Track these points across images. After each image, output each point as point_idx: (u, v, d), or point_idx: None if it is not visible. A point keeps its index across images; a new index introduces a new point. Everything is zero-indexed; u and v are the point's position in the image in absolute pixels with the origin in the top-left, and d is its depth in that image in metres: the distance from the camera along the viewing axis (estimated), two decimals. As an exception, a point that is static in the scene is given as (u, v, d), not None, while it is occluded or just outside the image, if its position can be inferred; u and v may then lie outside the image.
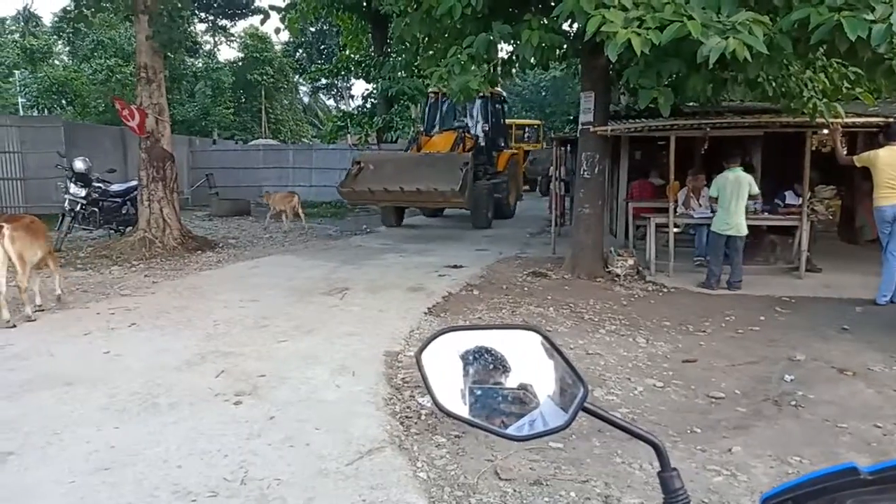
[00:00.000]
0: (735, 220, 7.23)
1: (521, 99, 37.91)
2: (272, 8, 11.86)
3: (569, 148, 11.57)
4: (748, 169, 7.61)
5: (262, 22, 15.14)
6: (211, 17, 25.15)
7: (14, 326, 5.82)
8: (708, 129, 7.95)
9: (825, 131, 7.75)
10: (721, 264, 7.45)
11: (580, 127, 8.39)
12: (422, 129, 15.53)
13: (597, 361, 4.92)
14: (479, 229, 12.86)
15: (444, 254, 9.79)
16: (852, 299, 6.78)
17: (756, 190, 7.40)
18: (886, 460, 0.76)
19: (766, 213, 8.08)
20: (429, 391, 1.00)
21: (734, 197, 7.20)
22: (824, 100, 6.92)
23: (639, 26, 5.53)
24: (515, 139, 23.34)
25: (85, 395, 4.27)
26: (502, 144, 16.13)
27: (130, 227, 10.38)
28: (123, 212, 10.65)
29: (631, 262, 8.14)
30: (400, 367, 4.77)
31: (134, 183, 10.63)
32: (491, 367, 1.02)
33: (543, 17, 7.25)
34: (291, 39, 29.82)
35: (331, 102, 36.73)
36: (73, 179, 10.21)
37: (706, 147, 9.32)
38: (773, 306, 6.59)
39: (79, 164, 10.29)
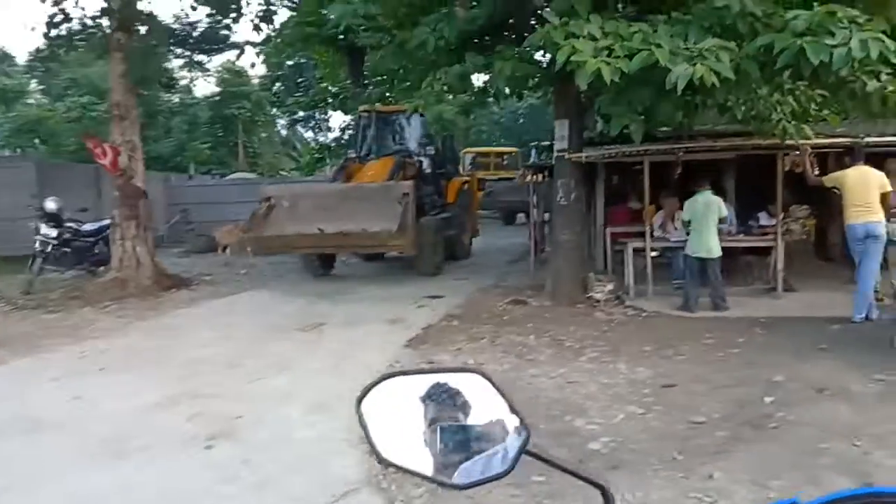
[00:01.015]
0: (708, 242, 7.27)
1: (500, 127, 38.35)
2: (247, 43, 11.92)
3: (543, 176, 11.62)
4: (718, 191, 7.69)
5: (238, 57, 15.10)
6: (187, 53, 25.20)
7: None
8: (681, 154, 8.04)
9: (797, 152, 7.89)
10: (698, 287, 7.47)
11: (555, 154, 8.46)
12: (353, 154, 12.82)
13: (578, 390, 4.87)
14: (426, 276, 10.20)
15: (423, 284, 9.72)
16: (829, 318, 6.80)
17: (725, 212, 7.48)
18: (824, 495, 0.73)
19: (741, 235, 8.16)
20: (368, 441, 0.96)
21: (705, 219, 7.27)
22: (793, 122, 7.04)
23: (608, 55, 5.62)
24: (495, 167, 23.43)
25: (54, 441, 4.15)
26: (452, 171, 13.54)
27: (103, 267, 10.20)
28: (96, 251, 10.47)
29: (610, 286, 8.14)
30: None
31: (107, 222, 10.47)
32: (433, 413, 0.99)
33: (515, 47, 7.35)
34: (269, 73, 29.96)
35: (309, 134, 36.85)
36: (45, 220, 10.04)
37: (680, 171, 9.43)
38: (752, 327, 6.60)
39: (50, 204, 10.14)
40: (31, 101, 27.99)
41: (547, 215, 11.43)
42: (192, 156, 27.50)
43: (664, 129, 9.26)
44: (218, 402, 4.79)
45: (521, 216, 20.47)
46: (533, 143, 22.28)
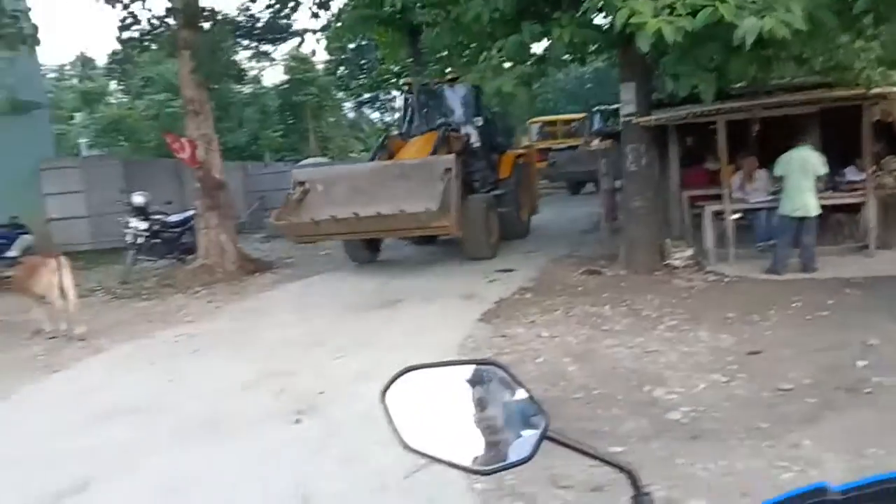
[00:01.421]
0: (804, 201, 6.91)
1: (566, 93, 37.50)
2: (307, 31, 12.08)
3: (612, 141, 11.30)
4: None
5: (299, 45, 15.33)
6: (253, 44, 25.87)
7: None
8: (756, 110, 7.64)
9: (885, 100, 7.36)
10: (790, 247, 7.13)
11: (622, 119, 8.22)
12: (396, 131, 12.12)
13: (657, 359, 4.78)
14: (478, 260, 9.43)
15: (497, 257, 9.72)
16: (929, 275, 6.39)
17: (824, 169, 7.05)
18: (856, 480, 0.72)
19: (829, 192, 7.71)
20: (393, 430, 1.00)
21: (802, 176, 6.89)
22: (879, 68, 6.56)
23: (670, 14, 5.39)
24: (563, 135, 22.94)
25: (153, 422, 4.43)
26: (505, 143, 12.42)
27: (191, 256, 10.73)
28: (183, 241, 11.02)
29: (689, 252, 7.90)
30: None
31: (191, 212, 10.99)
32: (454, 402, 1.02)
33: (573, 12, 7.14)
34: (332, 57, 30.36)
35: (375, 115, 37.25)
36: (134, 213, 10.64)
37: (758, 128, 8.98)
38: (843, 288, 6.26)
39: (137, 199, 10.72)
40: (112, 101, 29.51)
41: (618, 182, 11.13)
42: (266, 144, 28.34)
43: (737, 85, 8.83)
44: (302, 379, 4.99)
45: (588, 186, 19.91)
46: (596, 109, 21.52)
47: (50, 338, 6.82)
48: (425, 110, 11.90)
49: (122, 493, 3.44)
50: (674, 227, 9.57)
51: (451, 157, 8.96)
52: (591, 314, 6.14)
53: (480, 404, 1.01)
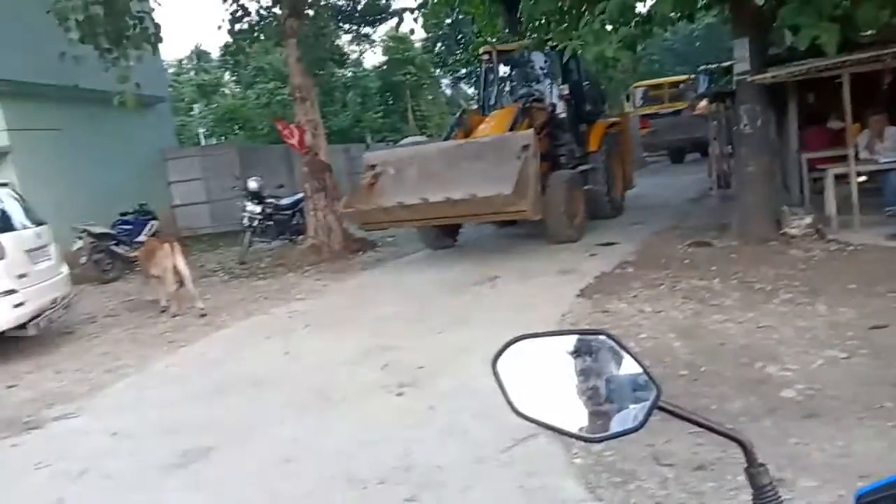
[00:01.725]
0: None
1: (674, 53, 35.66)
2: (404, 10, 12.19)
3: (724, 103, 10.65)
4: None
5: (398, 25, 15.48)
6: (354, 28, 26.50)
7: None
8: (888, 61, 6.94)
9: None
10: None
11: (735, 77, 7.74)
12: (474, 105, 11.36)
13: (769, 335, 4.53)
14: (562, 243, 8.72)
15: (596, 231, 9.52)
16: None
17: None
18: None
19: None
20: (505, 397, 1.02)
21: None
22: None
23: (789, -41, 4.98)
24: (670, 98, 21.86)
25: (269, 393, 4.75)
26: (595, 112, 11.24)
27: (301, 236, 11.29)
28: (294, 222, 11.60)
29: (808, 220, 7.36)
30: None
31: (300, 195, 11.53)
32: (563, 371, 1.02)
33: (680, -33, 6.76)
34: (429, 35, 30.51)
35: (472, 90, 37.17)
36: (249, 198, 11.31)
37: (890, 81, 8.16)
38: None
39: (252, 184, 11.39)
40: (226, 91, 31.28)
41: (729, 147, 10.51)
42: (368, 125, 29.06)
43: (867, 33, 8.04)
44: (404, 353, 5.16)
45: (694, 154, 19.31)
46: (702, 68, 20.27)
47: (174, 316, 7.44)
48: (506, 80, 11.23)
49: (241, 460, 3.72)
50: (792, 192, 8.95)
51: (529, 132, 8.19)
52: (698, 288, 5.90)
53: (590, 373, 1.02)
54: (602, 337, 1.02)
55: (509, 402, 1.03)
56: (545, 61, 10.89)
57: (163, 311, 7.64)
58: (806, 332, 4.49)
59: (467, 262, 8.67)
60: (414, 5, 13.27)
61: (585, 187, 9.70)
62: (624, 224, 9.98)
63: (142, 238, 10.86)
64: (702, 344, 4.55)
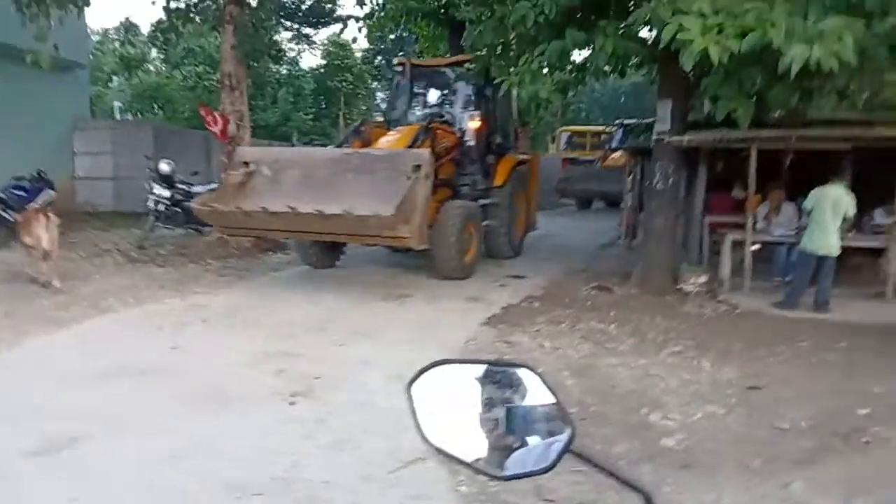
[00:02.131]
0: (829, 240, 6.81)
1: (600, 104, 37.29)
2: (350, 17, 12.13)
3: (640, 159, 11.20)
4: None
5: (342, 31, 15.40)
6: (296, 26, 26.06)
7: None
8: (792, 142, 7.54)
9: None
10: (807, 285, 7.04)
11: (655, 136, 8.15)
12: (380, 118, 10.64)
13: (656, 383, 4.75)
14: (449, 279, 8.09)
15: (510, 263, 9.72)
16: (946, 330, 6.27)
17: (853, 211, 6.94)
18: None
19: (852, 233, 7.58)
20: (415, 423, 1.00)
21: (831, 214, 6.79)
22: (926, 112, 6.44)
23: (718, 34, 5.33)
24: (592, 147, 22.76)
25: (153, 386, 4.51)
26: (505, 146, 10.45)
27: (208, 227, 10.84)
28: (204, 212, 11.12)
29: (703, 279, 7.82)
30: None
31: (214, 185, 11.10)
32: (481, 402, 1.01)
33: (619, 23, 7.10)
34: (371, 46, 30.47)
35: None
36: (158, 180, 10.77)
37: (790, 160, 8.87)
38: (854, 334, 6.16)
39: (163, 166, 10.85)
40: (151, 68, 29.90)
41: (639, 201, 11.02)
42: (296, 125, 28.53)
43: (775, 114, 8.72)
44: (303, 362, 5.03)
45: (599, 203, 20.63)
46: (618, 122, 20.97)
47: (44, 286, 7.07)
48: (417, 97, 10.27)
49: (113, 452, 3.49)
50: (691, 251, 9.49)
51: (424, 152, 7.31)
52: (596, 330, 6.11)
53: (506, 407, 1.00)
54: (526, 370, 1.02)
55: (419, 430, 1.00)
56: (462, 84, 10.12)
57: (43, 287, 7.12)
58: (690, 384, 4.74)
59: (380, 277, 8.61)
60: (361, 14, 13.20)
61: (484, 223, 9.07)
62: (534, 260, 10.23)
63: (34, 206, 10.09)
64: (594, 384, 4.70)
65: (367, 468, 3.39)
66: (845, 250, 7.08)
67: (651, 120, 20.36)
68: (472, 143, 9.48)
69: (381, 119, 10.21)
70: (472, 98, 10.00)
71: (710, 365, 5.18)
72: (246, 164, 7.74)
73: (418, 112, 9.99)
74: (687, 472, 3.39)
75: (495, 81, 8.35)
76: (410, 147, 7.84)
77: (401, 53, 29.44)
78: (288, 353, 5.24)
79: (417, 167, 6.98)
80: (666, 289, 7.75)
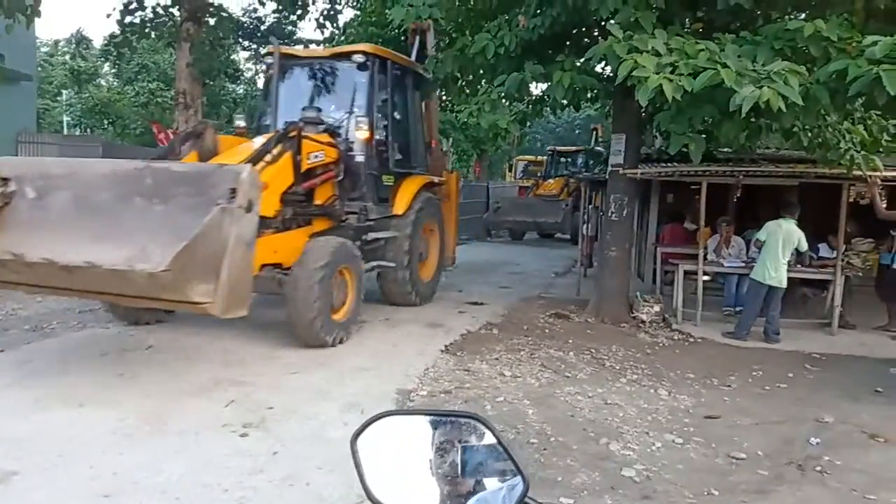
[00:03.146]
0: (779, 272, 7.03)
1: (555, 136, 38.04)
2: (310, 42, 12.10)
3: (584, 189, 11.35)
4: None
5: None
6: (254, 46, 25.90)
7: None
8: (741, 177, 7.80)
9: (864, 183, 7.56)
10: (756, 315, 7.22)
11: (610, 168, 8.31)
12: (242, 124, 7.82)
13: (615, 412, 4.75)
14: (312, 348, 5.99)
15: (468, 289, 9.70)
16: (887, 359, 6.50)
17: (805, 246, 7.19)
18: None
19: (798, 266, 7.85)
20: (361, 479, 0.94)
21: (783, 248, 7.01)
22: (862, 152, 6.76)
23: (671, 72, 5.49)
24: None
25: (96, 416, 4.26)
26: (410, 164, 8.35)
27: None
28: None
29: (657, 308, 7.95)
30: (412, 406, 4.66)
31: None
32: (430, 455, 0.96)
33: (576, 58, 7.26)
34: (330, 70, 30.45)
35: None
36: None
37: (739, 195, 9.15)
38: (803, 363, 6.34)
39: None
40: (102, 83, 29.16)
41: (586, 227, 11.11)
42: (251, 146, 28.15)
43: (725, 150, 9.02)
44: (256, 390, 4.86)
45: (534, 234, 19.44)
46: (549, 149, 20.70)
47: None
48: (292, 97, 7.67)
49: (48, 492, 3.27)
50: (645, 281, 9.67)
51: (245, 169, 4.68)
52: (555, 358, 6.11)
53: (457, 459, 0.95)
54: (473, 422, 0.97)
55: (364, 486, 0.93)
56: (353, 82, 7.64)
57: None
58: (648, 413, 4.76)
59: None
60: (321, 38, 13.19)
61: (372, 263, 7.23)
62: (494, 286, 10.24)
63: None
64: (553, 413, 4.67)
65: (322, 504, 3.26)
66: (791, 282, 7.31)
67: (583, 148, 20.93)
68: (360, 157, 7.22)
69: (242, 124, 7.74)
70: (366, 100, 7.55)
71: (666, 393, 5.23)
72: (4, 180, 5.02)
73: (292, 117, 7.15)
74: (647, 503, 3.38)
75: (456, 107, 8.18)
76: (253, 162, 5.50)
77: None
78: (239, 382, 5.06)
79: (233, 192, 4.48)
80: (621, 317, 7.84)
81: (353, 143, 7.29)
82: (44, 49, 27.39)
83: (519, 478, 0.91)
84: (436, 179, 8.82)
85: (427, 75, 8.77)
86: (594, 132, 21.00)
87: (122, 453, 3.72)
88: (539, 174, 21.03)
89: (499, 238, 19.49)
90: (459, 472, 0.95)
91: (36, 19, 9.22)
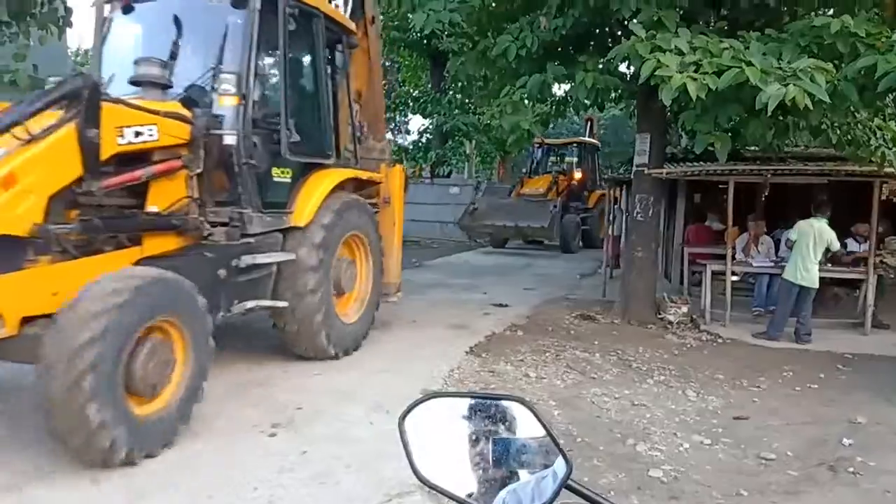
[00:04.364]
0: (810, 271, 6.93)
1: (578, 135, 37.79)
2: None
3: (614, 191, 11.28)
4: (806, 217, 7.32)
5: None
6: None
7: None
8: (768, 176, 7.69)
9: (896, 181, 7.42)
10: (788, 315, 7.12)
11: (634, 168, 8.26)
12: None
13: (642, 413, 4.73)
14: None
15: (492, 291, 9.71)
16: (923, 360, 6.36)
17: (837, 246, 7.10)
18: None
19: (829, 265, 7.71)
20: (408, 458, 0.97)
21: (815, 246, 6.91)
22: (894, 148, 6.63)
23: (695, 71, 5.45)
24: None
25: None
26: (320, 149, 5.79)
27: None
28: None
29: (685, 309, 7.87)
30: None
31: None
32: (475, 436, 0.99)
33: (599, 58, 7.24)
34: (354, 76, 30.72)
35: (388, 136, 37.55)
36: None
37: (767, 193, 9.03)
38: (835, 363, 6.23)
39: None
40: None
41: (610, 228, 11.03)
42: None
43: (752, 148, 8.91)
44: (282, 392, 4.92)
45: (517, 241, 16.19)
46: (537, 142, 16.88)
47: None
48: (128, 48, 5.37)
49: (87, 489, 3.35)
50: (672, 281, 9.58)
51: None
52: (580, 360, 6.09)
53: (501, 441, 0.98)
54: (518, 404, 1.00)
55: (412, 465, 0.97)
56: (227, 23, 5.05)
57: None
58: (675, 414, 4.72)
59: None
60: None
61: (248, 303, 4.94)
62: (518, 288, 10.22)
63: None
64: (579, 415, 4.66)
65: (350, 503, 3.30)
66: (823, 281, 7.19)
67: (576, 140, 19.44)
68: (230, 139, 4.76)
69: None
70: (241, 50, 4.93)
71: (694, 394, 5.19)
72: None
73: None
74: (677, 502, 3.36)
75: (477, 109, 7.19)
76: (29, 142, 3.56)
77: (383, 83, 29.67)
78: (265, 383, 5.12)
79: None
80: (648, 318, 7.78)
81: (221, 117, 4.76)
82: (76, 59, 28.01)
83: (562, 460, 0.93)
84: (364, 175, 6.35)
85: (352, 29, 6.37)
86: (588, 123, 19.76)
87: (156, 454, 3.79)
88: (524, 170, 18.05)
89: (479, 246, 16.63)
90: (503, 453, 0.98)
91: (67, 30, 9.43)
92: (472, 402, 1.03)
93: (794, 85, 5.05)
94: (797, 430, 4.48)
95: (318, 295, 5.36)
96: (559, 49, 7.65)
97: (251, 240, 4.95)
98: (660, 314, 7.85)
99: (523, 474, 0.96)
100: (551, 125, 13.56)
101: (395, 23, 17.27)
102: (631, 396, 5.08)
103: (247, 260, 4.84)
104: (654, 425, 4.48)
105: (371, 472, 3.60)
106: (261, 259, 4.98)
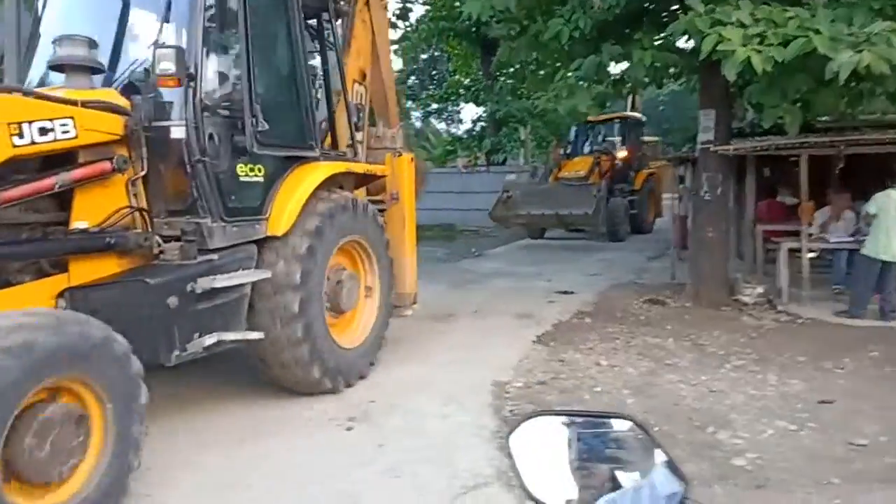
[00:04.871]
0: (892, 244, 6.57)
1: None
2: (386, 41, 12.24)
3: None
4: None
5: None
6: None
7: None
8: (843, 147, 7.29)
9: None
10: (871, 292, 6.77)
11: (699, 146, 8.00)
12: None
13: (721, 400, 4.58)
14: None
15: (556, 278, 9.60)
16: None
17: None
18: None
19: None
20: (519, 480, 0.96)
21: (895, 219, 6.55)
22: (985, 112, 6.18)
23: (760, 43, 5.21)
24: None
25: (211, 417, 4.51)
26: (303, 138, 4.74)
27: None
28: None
29: (760, 289, 7.59)
30: (507, 398, 4.68)
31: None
32: (582, 453, 0.97)
33: (656, 35, 7.02)
34: (403, 67, 30.84)
35: (441, 126, 37.52)
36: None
37: (842, 166, 8.57)
38: (927, 341, 5.89)
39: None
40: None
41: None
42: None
43: (823, 118, 8.47)
44: (356, 387, 4.99)
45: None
46: (579, 123, 15.54)
47: None
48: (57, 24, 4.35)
49: (176, 479, 3.51)
50: (745, 261, 9.23)
51: None
52: (652, 346, 5.96)
53: (610, 458, 0.97)
54: (626, 421, 0.97)
55: (523, 485, 0.96)
56: None
57: None
58: (756, 400, 4.56)
59: (425, 295, 8.52)
60: (395, 36, 13.38)
61: (209, 338, 3.86)
62: (584, 274, 10.08)
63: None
64: (655, 403, 4.56)
65: (427, 496, 3.33)
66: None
67: (618, 115, 17.95)
68: (178, 131, 3.89)
69: None
70: (187, 19, 4.02)
71: (775, 378, 4.99)
72: None
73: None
74: (762, 493, 3.25)
75: (531, 94, 7.24)
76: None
77: (434, 72, 29.75)
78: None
79: None
80: (722, 301, 7.54)
81: (170, 104, 3.94)
82: None
83: (676, 479, 0.90)
84: (360, 169, 5.43)
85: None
86: (630, 96, 17.13)
87: (239, 449, 3.92)
88: (562, 152, 16.50)
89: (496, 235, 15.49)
90: (613, 472, 0.96)
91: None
92: (579, 419, 1.02)
93: (868, 51, 4.77)
94: (889, 413, 4.24)
95: (302, 319, 4.31)
96: (613, 29, 7.45)
97: (213, 256, 3.93)
98: (734, 295, 7.60)
99: (635, 493, 0.93)
100: (609, 105, 13.05)
101: (444, 13, 17.23)
102: (708, 383, 4.93)
103: (206, 283, 3.75)
104: (735, 412, 4.34)
105: (446, 464, 3.62)
106: (222, 281, 3.86)
